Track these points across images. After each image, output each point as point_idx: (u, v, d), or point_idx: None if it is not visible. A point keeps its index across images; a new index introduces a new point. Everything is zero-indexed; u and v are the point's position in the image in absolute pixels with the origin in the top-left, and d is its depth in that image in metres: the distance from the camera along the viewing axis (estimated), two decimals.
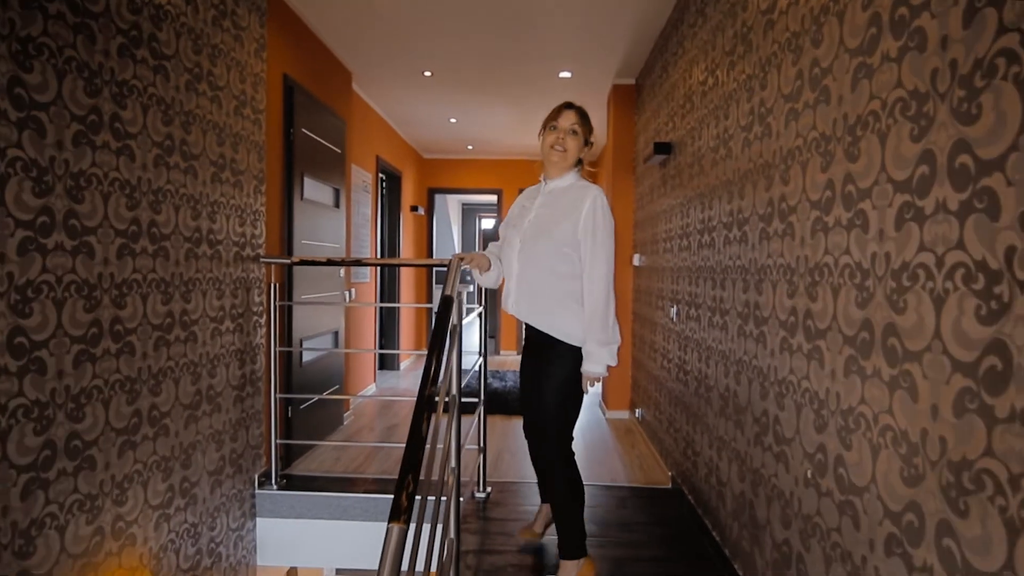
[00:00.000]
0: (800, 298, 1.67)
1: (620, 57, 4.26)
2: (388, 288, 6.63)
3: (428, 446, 1.32)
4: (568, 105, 2.08)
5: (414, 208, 7.22)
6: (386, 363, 6.71)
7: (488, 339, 3.25)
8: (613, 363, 1.99)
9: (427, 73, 4.67)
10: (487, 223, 13.85)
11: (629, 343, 4.72)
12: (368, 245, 5.46)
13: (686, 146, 3.11)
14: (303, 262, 3.07)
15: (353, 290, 4.97)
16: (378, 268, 6.57)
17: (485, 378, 3.15)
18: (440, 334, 1.57)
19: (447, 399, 1.80)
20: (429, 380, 1.49)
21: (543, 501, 2.40)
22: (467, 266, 2.11)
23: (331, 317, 4.17)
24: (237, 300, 2.85)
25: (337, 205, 4.20)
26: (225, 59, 2.71)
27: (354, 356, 5.02)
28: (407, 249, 7.06)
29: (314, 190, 3.83)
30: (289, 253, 3.44)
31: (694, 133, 2.94)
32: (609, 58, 4.28)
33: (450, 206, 12.43)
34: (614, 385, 4.78)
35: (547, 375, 2.03)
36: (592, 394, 5.37)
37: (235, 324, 2.84)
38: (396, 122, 6.23)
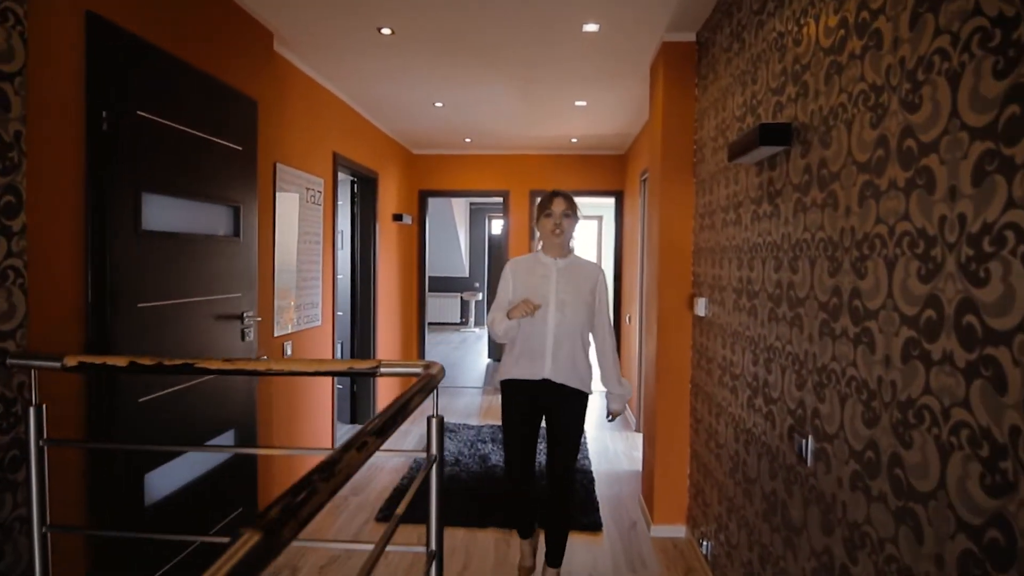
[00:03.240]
0: None
1: (673, 1, 2.71)
2: (360, 321, 5.15)
3: None
4: (555, 193, 2.49)
5: (397, 217, 5.73)
6: (359, 413, 5.22)
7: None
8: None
9: (385, 31, 3.15)
10: (498, 225, 12.28)
11: (684, 425, 3.18)
12: (320, 278, 3.98)
13: (846, 128, 1.55)
14: (84, 366, 1.57)
15: (287, 346, 3.49)
16: (346, 298, 5.10)
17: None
18: None
19: None
20: None
21: (526, 536, 2.66)
22: (523, 314, 2.33)
23: (233, 404, 2.70)
24: None
25: (237, 232, 2.71)
26: None
27: (287, 437, 3.55)
28: (388, 271, 5.57)
29: (177, 213, 2.34)
30: (103, 333, 1.94)
31: (872, 101, 1.39)
32: (656, 3, 2.74)
33: (455, 208, 10.93)
34: (664, 486, 3.23)
35: (575, 418, 2.49)
36: (627, 482, 3.83)
37: None
38: (364, 107, 4.73)
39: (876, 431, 1.36)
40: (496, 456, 4.25)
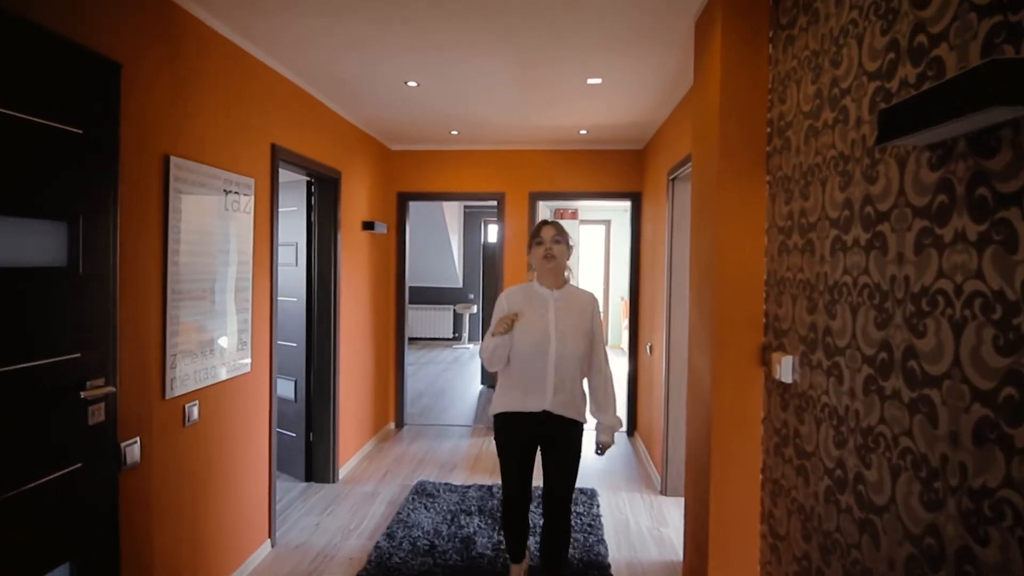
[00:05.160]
0: None
1: None
2: (318, 353, 4.18)
3: None
4: (544, 222, 2.50)
5: (368, 225, 4.76)
6: (316, 469, 4.23)
7: None
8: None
9: None
10: (495, 230, 11.30)
11: (751, 533, 2.22)
12: (249, 309, 3.00)
13: None
14: None
15: (191, 409, 2.53)
16: (300, 325, 4.15)
17: None
18: None
19: None
20: None
21: (517, 559, 2.64)
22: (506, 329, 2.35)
23: (69, 516, 1.74)
24: None
25: (72, 261, 1.75)
26: None
27: (190, 538, 2.57)
28: (356, 290, 4.60)
29: None
30: None
31: None
32: None
33: (447, 211, 9.94)
34: None
35: (573, 447, 2.47)
36: None
37: None
38: (317, 87, 3.76)
39: None
40: (486, 537, 3.27)
